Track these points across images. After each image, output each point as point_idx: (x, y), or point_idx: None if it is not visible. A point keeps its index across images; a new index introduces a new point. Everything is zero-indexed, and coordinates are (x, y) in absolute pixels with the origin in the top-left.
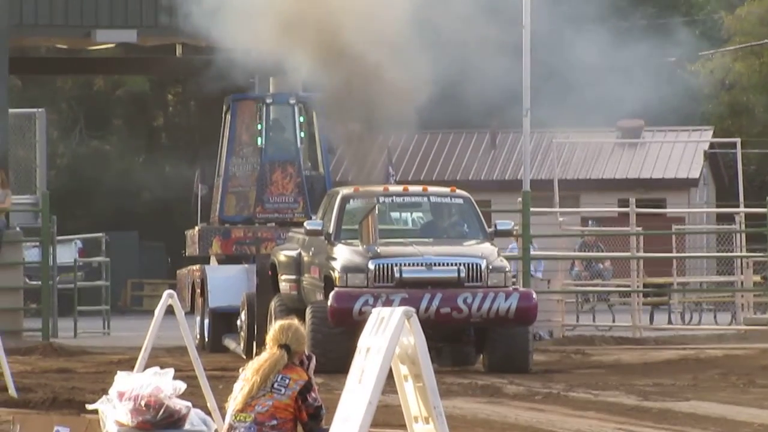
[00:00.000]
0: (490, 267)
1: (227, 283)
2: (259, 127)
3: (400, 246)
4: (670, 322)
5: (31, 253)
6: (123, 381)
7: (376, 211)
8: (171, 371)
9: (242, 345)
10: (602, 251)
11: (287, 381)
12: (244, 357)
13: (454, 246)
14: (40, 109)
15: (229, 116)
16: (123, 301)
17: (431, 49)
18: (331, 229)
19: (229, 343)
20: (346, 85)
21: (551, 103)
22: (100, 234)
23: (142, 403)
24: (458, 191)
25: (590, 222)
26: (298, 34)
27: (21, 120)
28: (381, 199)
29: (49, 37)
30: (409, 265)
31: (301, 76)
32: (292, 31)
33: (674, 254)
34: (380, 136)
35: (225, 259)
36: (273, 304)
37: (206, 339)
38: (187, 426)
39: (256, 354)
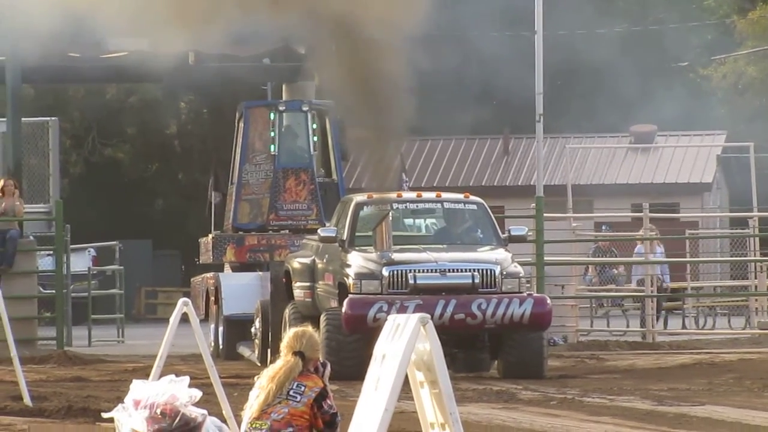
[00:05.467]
0: (504, 273)
1: (241, 291)
2: (272, 134)
3: (414, 252)
4: (684, 326)
5: (44, 262)
6: (138, 389)
7: (390, 218)
8: (186, 379)
9: (257, 352)
10: (616, 256)
11: (303, 388)
12: (259, 364)
13: (468, 252)
14: (53, 118)
15: (242, 124)
16: (137, 309)
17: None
18: (344, 236)
19: (244, 350)
20: (359, 89)
21: (564, 108)
22: (113, 242)
23: (158, 411)
24: (472, 197)
25: (604, 227)
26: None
27: (34, 129)
28: (395, 206)
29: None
30: (423, 271)
31: (314, 81)
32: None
33: (688, 259)
34: (393, 142)
35: (239, 267)
36: (287, 312)
37: (221, 346)
38: None
39: (271, 361)
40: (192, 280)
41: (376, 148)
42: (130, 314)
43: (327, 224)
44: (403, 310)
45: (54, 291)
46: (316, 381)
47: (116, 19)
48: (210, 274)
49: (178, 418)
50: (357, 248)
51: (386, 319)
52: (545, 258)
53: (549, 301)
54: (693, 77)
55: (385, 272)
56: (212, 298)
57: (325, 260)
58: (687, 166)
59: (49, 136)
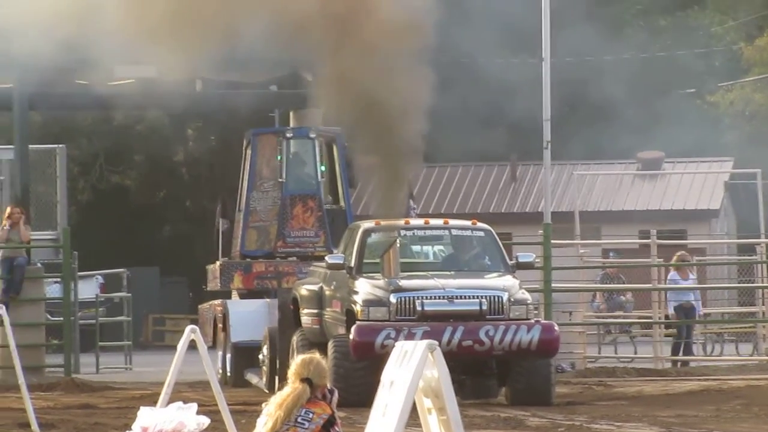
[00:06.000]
0: (512, 299)
1: (249, 318)
2: (279, 161)
3: (421, 279)
4: (691, 353)
5: (52, 289)
6: (146, 416)
7: (398, 245)
8: (194, 406)
9: (264, 379)
10: (623, 283)
11: (311, 415)
12: (267, 391)
13: (476, 279)
14: (60, 145)
15: (249, 151)
16: (145, 336)
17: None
18: (352, 263)
19: (252, 377)
20: (366, 116)
21: (572, 135)
22: (121, 269)
23: None
24: (479, 224)
25: (611, 254)
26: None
27: (41, 156)
28: (402, 233)
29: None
30: (430, 298)
31: (321, 109)
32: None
33: (695, 285)
34: (401, 168)
35: (246, 294)
36: (295, 339)
37: (228, 374)
38: None
39: (279, 388)
40: (199, 307)
41: (384, 175)
42: (138, 341)
43: (335, 251)
44: (410, 336)
45: (62, 318)
46: (324, 408)
47: (123, 46)
48: (218, 301)
49: None
50: (365, 275)
51: (394, 346)
52: (553, 284)
53: (557, 327)
54: (700, 104)
55: (393, 299)
56: (220, 325)
57: (332, 287)
58: (694, 192)
59: (56, 163)
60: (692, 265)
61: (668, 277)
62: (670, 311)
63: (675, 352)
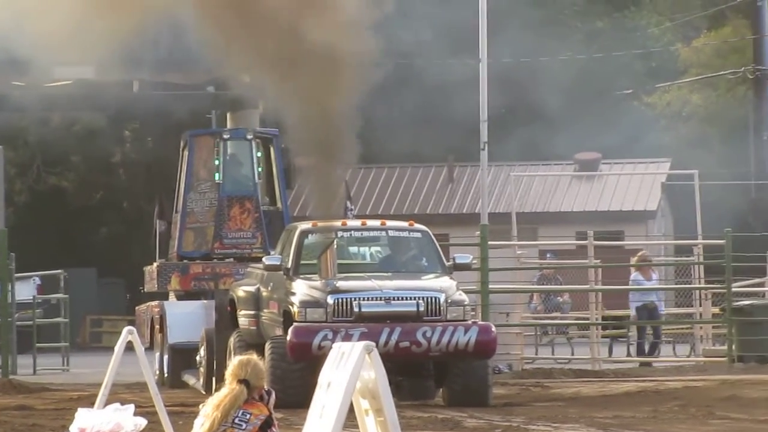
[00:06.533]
0: (449, 301)
1: (186, 319)
2: (216, 162)
3: (358, 280)
4: (629, 354)
5: None
6: (84, 417)
7: (335, 246)
8: (132, 407)
9: (202, 380)
10: (560, 284)
11: (248, 416)
12: (204, 392)
13: (413, 280)
14: None
15: (186, 152)
16: (82, 337)
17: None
18: (289, 264)
19: (189, 378)
20: (304, 117)
21: (509, 136)
22: (58, 271)
23: None
24: (416, 225)
25: (548, 255)
26: (257, 58)
27: None
28: (339, 234)
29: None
30: (368, 299)
31: (258, 109)
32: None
33: (632, 287)
34: (338, 169)
35: (184, 295)
36: (232, 340)
37: (166, 375)
38: None
39: (216, 389)
40: (137, 308)
41: (321, 176)
42: (75, 343)
43: (272, 252)
44: (348, 338)
45: None
46: (262, 409)
47: (60, 46)
48: (155, 303)
49: None
50: (302, 276)
51: (331, 347)
52: (490, 286)
53: (494, 328)
54: (637, 105)
55: (330, 300)
56: (157, 327)
57: (269, 288)
58: (632, 193)
59: None
60: (651, 266)
61: (631, 278)
62: (632, 312)
63: (640, 352)
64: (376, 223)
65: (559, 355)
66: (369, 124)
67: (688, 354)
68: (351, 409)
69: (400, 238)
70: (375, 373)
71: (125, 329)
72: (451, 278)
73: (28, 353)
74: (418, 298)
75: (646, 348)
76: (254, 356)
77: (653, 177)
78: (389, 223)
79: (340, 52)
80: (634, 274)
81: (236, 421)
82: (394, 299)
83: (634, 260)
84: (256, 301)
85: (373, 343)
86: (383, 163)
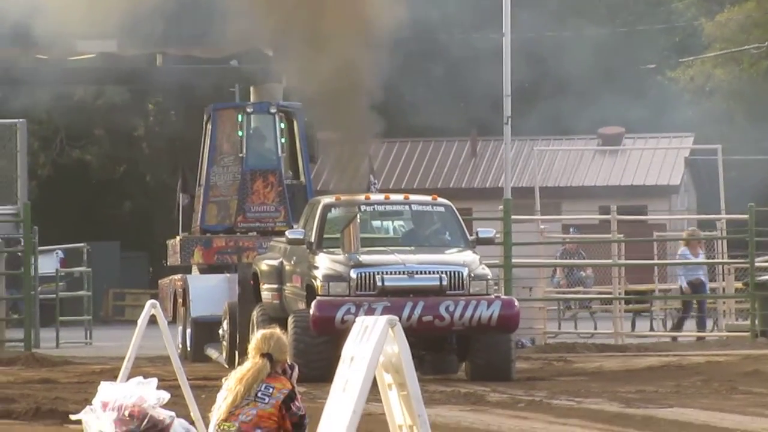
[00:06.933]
0: (472, 275)
1: (209, 293)
2: (240, 135)
3: (381, 254)
4: (651, 328)
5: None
6: (106, 391)
7: (358, 220)
8: (154, 381)
9: (224, 354)
10: (583, 258)
11: (271, 390)
12: (227, 366)
13: (436, 254)
14: (20, 120)
15: (209, 126)
16: (105, 311)
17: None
18: (312, 238)
19: (212, 352)
20: (326, 91)
21: (532, 110)
22: (81, 244)
23: (126, 413)
24: (439, 199)
25: (571, 229)
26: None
27: (1, 130)
28: (362, 208)
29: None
30: (390, 273)
31: (281, 83)
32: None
33: (655, 261)
34: (361, 143)
35: (207, 269)
36: (255, 314)
37: (188, 348)
38: None
39: (239, 363)
40: (160, 282)
41: (344, 150)
42: (98, 316)
43: (295, 226)
44: (371, 312)
45: (22, 293)
46: (284, 383)
47: (83, 20)
48: (178, 276)
49: (146, 420)
50: (325, 250)
51: (354, 321)
52: (513, 260)
53: (517, 303)
54: (661, 80)
55: (353, 274)
56: (180, 300)
57: (292, 262)
58: (655, 168)
59: (17, 138)
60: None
61: (679, 252)
62: (684, 285)
63: (678, 327)
64: (400, 197)
65: (582, 330)
66: (392, 98)
67: (711, 329)
68: (374, 384)
69: (423, 213)
70: (398, 348)
71: (148, 303)
72: (474, 252)
73: (51, 326)
74: (441, 272)
75: (689, 324)
76: (277, 330)
77: (676, 152)
78: (412, 197)
79: (364, 25)
80: (682, 249)
81: (259, 395)
82: (417, 273)
83: (684, 235)
84: (279, 275)
85: (396, 317)
86: (406, 137)
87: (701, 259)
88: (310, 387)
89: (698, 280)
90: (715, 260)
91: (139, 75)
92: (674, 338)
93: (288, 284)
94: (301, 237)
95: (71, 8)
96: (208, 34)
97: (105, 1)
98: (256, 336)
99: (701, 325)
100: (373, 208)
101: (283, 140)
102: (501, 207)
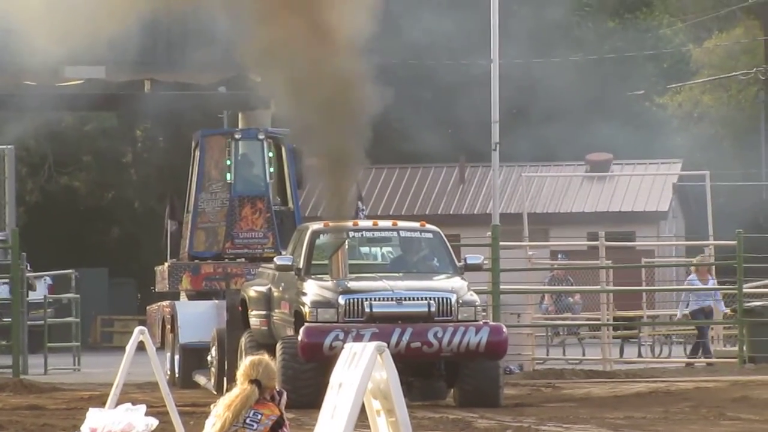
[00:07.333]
0: (461, 301)
1: (197, 319)
2: (228, 162)
3: (370, 281)
4: (640, 355)
5: (0, 290)
6: (95, 417)
7: (346, 246)
8: (143, 407)
9: (213, 381)
10: (572, 285)
11: (259, 416)
12: (215, 393)
13: (424, 280)
14: (8, 146)
15: (198, 152)
16: (93, 337)
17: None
18: (301, 264)
19: (200, 378)
20: (315, 117)
21: (520, 137)
22: (70, 270)
23: None
24: (428, 225)
25: (560, 255)
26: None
27: None
28: (351, 234)
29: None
30: (379, 299)
31: (270, 109)
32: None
33: (644, 287)
34: (349, 170)
35: (195, 295)
36: (243, 340)
37: (177, 375)
38: None
39: (227, 390)
40: (148, 308)
41: (332, 176)
42: (87, 342)
43: (283, 252)
44: (359, 338)
45: (10, 319)
46: (273, 409)
47: (70, 45)
48: (166, 303)
49: None
50: (313, 276)
51: (342, 348)
52: (501, 286)
53: (505, 329)
54: (649, 106)
55: (341, 300)
56: (168, 327)
57: (281, 288)
58: (643, 194)
59: (4, 164)
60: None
61: (688, 279)
62: (683, 312)
63: (695, 352)
64: (388, 223)
65: (570, 356)
66: (381, 124)
67: (699, 355)
68: (362, 410)
69: (411, 239)
70: (387, 374)
71: (136, 329)
72: (462, 279)
73: (39, 353)
74: (430, 298)
75: (700, 350)
76: (265, 356)
77: (665, 178)
78: (400, 223)
79: (352, 50)
80: (691, 276)
81: (247, 421)
82: (405, 299)
83: (695, 261)
84: (267, 301)
85: (385, 344)
86: (395, 164)
87: (712, 285)
88: (298, 413)
89: (709, 308)
90: (703, 287)
91: (127, 101)
92: (689, 364)
93: (276, 310)
94: (290, 263)
95: (59, 34)
96: (195, 60)
97: (93, 27)
98: (245, 362)
99: (705, 351)
100: (362, 234)
101: (271, 167)
102: (489, 233)
